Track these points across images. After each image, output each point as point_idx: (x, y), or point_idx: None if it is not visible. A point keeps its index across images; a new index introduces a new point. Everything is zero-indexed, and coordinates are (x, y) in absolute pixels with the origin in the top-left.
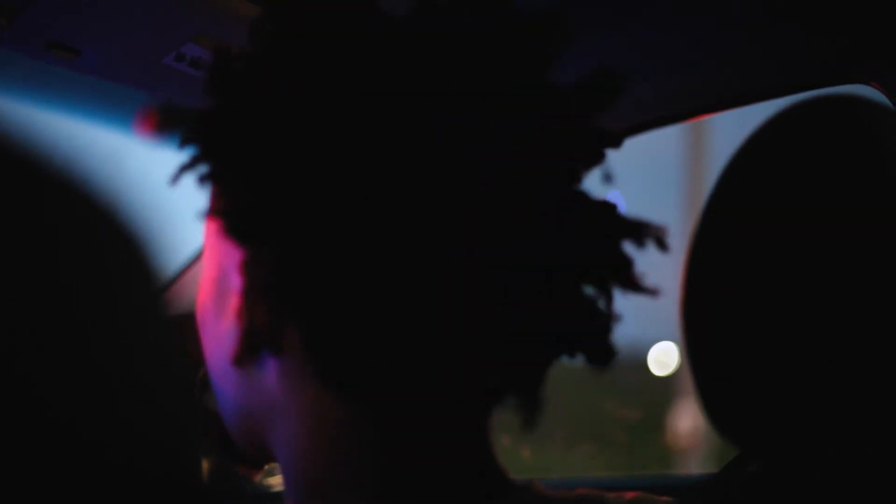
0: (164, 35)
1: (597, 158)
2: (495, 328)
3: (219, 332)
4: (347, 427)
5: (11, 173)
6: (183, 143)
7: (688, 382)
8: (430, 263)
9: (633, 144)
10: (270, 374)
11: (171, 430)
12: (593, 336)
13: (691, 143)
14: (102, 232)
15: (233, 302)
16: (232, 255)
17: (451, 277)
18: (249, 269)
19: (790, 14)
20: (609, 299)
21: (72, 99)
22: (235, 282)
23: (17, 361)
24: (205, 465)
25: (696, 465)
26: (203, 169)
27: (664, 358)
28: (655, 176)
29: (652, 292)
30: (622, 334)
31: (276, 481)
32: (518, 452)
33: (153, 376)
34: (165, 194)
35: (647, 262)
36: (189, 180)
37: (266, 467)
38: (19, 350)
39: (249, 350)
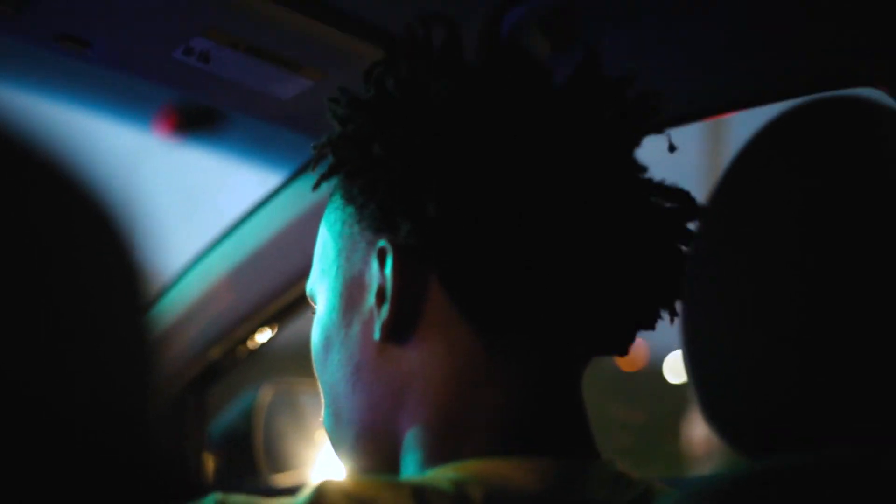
0: (173, 28)
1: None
2: (602, 291)
3: (351, 336)
4: (485, 373)
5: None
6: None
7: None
8: (547, 227)
9: (651, 146)
10: (411, 345)
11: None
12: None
13: (710, 147)
14: (87, 226)
15: (367, 300)
16: (364, 262)
17: (565, 248)
18: (399, 253)
19: (796, 16)
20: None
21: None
22: (374, 277)
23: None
24: (209, 464)
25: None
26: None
27: (680, 366)
28: (675, 178)
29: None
30: (636, 342)
31: (282, 480)
32: None
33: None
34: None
35: None
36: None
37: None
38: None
39: (405, 320)
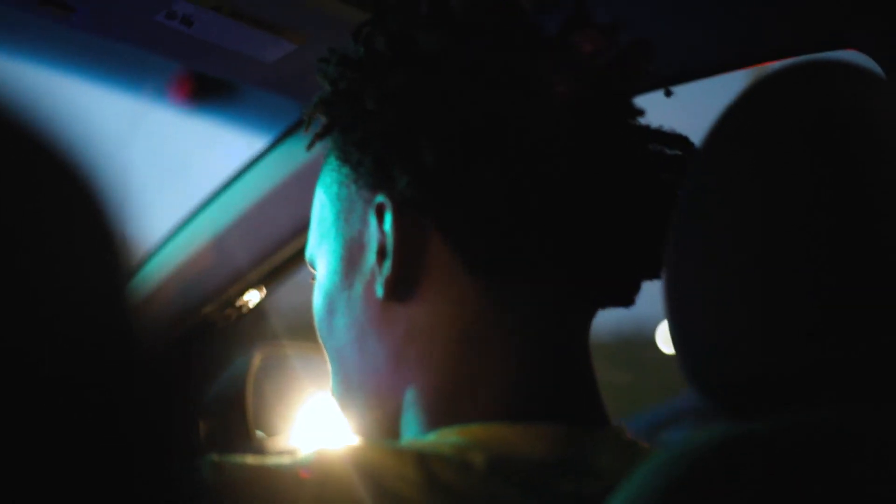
0: None
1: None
2: (605, 241)
3: (354, 298)
4: (488, 329)
5: None
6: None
7: None
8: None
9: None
10: (414, 301)
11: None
12: None
13: None
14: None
15: (367, 259)
16: (363, 221)
17: (558, 191)
18: (398, 207)
19: None
20: None
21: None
22: (373, 234)
23: None
24: (202, 427)
25: None
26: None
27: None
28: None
29: None
30: (630, 313)
31: (274, 444)
32: None
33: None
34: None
35: None
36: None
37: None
38: None
39: (407, 276)
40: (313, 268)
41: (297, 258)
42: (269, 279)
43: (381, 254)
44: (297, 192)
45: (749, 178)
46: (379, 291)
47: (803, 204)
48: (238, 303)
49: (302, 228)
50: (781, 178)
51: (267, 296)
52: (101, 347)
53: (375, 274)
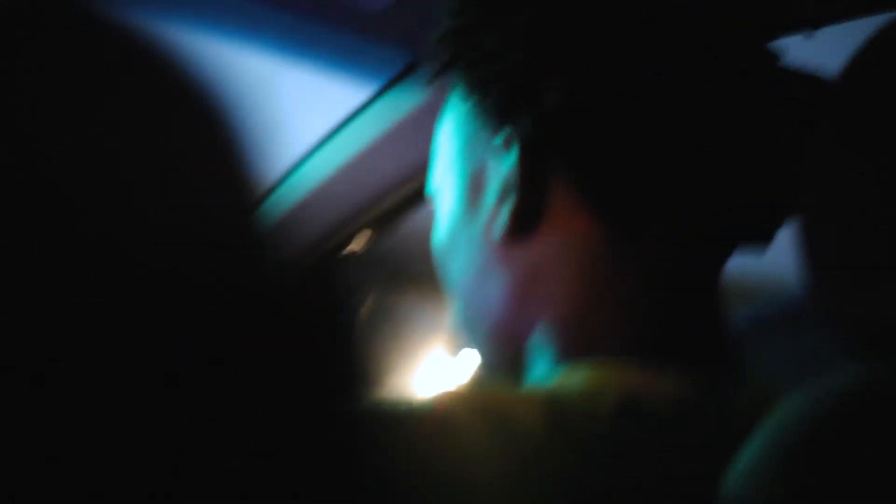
0: None
1: None
2: (736, 185)
3: (474, 235)
4: (617, 266)
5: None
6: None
7: None
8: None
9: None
10: (536, 241)
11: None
12: None
13: None
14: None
15: (489, 194)
16: (486, 156)
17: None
18: (522, 146)
19: None
20: None
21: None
22: (496, 171)
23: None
24: (315, 370)
25: None
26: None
27: None
28: None
29: None
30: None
31: (381, 393)
32: None
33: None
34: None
35: None
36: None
37: None
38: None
39: (530, 215)
40: (434, 200)
41: (402, 206)
42: (375, 226)
43: (505, 191)
44: (403, 141)
45: (887, 114)
46: (500, 229)
47: None
48: (344, 250)
49: (407, 178)
50: None
51: (373, 243)
52: (234, 275)
53: (497, 211)
